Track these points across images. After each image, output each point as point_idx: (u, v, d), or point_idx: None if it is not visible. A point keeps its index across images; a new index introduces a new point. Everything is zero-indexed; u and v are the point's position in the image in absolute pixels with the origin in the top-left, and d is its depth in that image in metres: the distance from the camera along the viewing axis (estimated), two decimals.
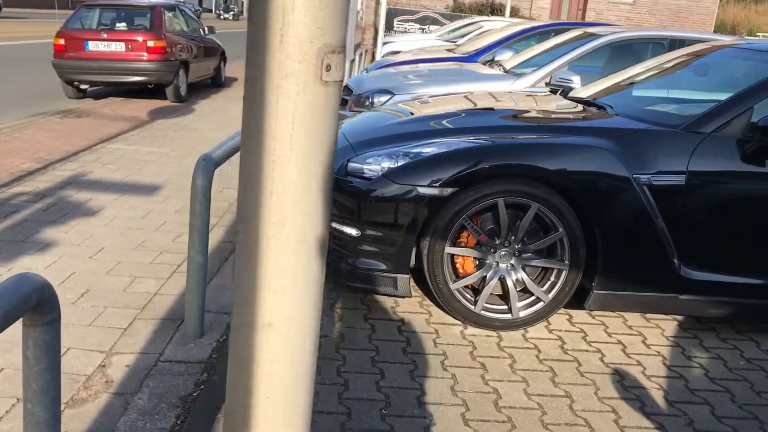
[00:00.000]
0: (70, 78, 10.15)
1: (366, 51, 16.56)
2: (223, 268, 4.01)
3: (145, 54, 10.05)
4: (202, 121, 8.98)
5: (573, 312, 3.74)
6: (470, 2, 28.79)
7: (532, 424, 2.67)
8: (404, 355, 3.15)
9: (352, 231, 3.38)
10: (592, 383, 3.02)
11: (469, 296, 3.44)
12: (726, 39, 6.10)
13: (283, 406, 0.76)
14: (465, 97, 4.73)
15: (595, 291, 3.38)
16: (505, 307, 3.44)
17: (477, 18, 18.29)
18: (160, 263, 4.03)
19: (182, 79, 10.66)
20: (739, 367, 3.27)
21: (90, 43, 10.04)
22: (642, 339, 3.49)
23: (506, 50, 8.58)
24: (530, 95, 4.86)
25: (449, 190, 3.25)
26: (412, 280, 3.49)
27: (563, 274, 3.38)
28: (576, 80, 5.42)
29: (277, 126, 0.62)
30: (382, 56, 12.74)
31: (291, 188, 0.63)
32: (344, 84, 4.91)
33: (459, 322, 3.50)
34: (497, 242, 3.38)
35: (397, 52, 11.98)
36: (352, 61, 11.20)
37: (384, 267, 3.37)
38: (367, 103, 6.26)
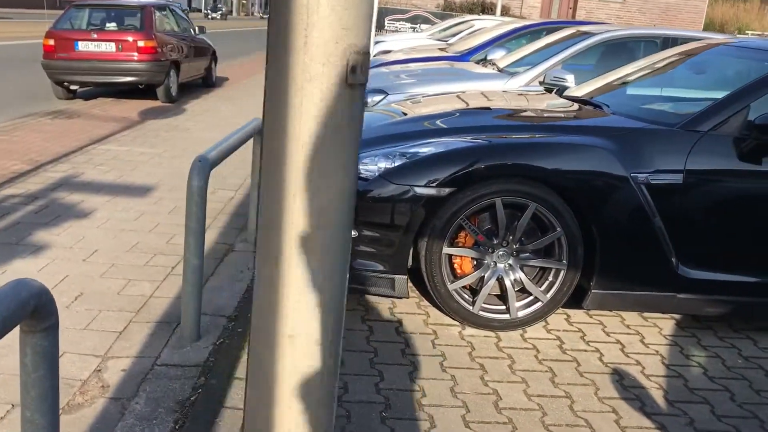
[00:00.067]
0: (60, 78, 10.07)
1: None
2: (218, 270, 3.98)
3: (136, 54, 9.99)
4: (194, 122, 8.93)
5: (571, 311, 3.73)
6: (461, 1, 28.81)
7: (533, 425, 2.66)
8: (403, 356, 3.13)
9: None
10: (591, 383, 3.01)
11: (467, 296, 3.42)
12: (719, 37, 6.11)
13: (304, 419, 0.74)
14: (458, 96, 4.72)
15: (593, 290, 3.37)
16: (503, 307, 3.43)
17: (468, 17, 18.29)
18: (154, 265, 4.00)
19: (173, 79, 10.59)
20: (738, 366, 3.27)
21: (80, 43, 9.96)
22: (640, 338, 3.49)
23: (499, 49, 8.58)
24: (525, 94, 4.85)
25: (447, 190, 3.23)
26: (409, 280, 3.47)
27: (561, 273, 3.37)
28: (570, 79, 5.41)
29: (302, 130, 0.59)
30: (374, 56, 12.72)
31: (316, 194, 0.61)
32: None
33: (457, 323, 3.48)
34: (495, 242, 3.37)
35: (389, 52, 11.95)
36: None
37: (381, 268, 3.35)
38: None
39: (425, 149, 3.39)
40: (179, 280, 3.75)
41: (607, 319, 3.68)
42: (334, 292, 0.73)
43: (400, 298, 3.59)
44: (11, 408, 2.54)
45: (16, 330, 1.51)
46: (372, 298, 3.70)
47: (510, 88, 6.34)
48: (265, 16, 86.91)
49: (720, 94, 3.54)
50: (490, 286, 3.38)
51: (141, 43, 9.97)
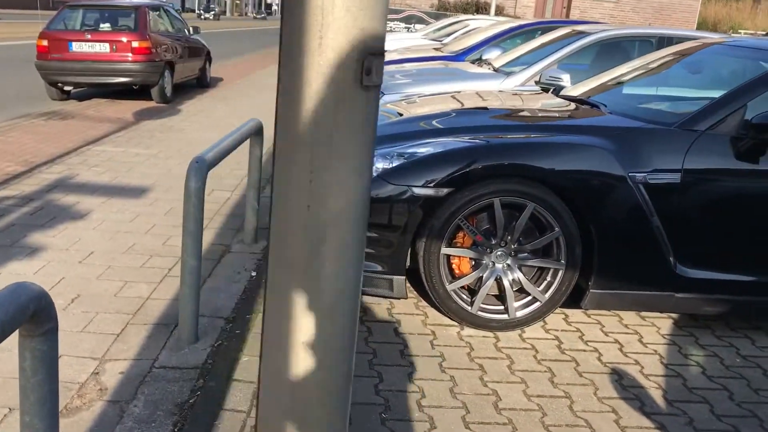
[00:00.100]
0: (54, 79, 10.03)
1: None
2: (215, 271, 3.96)
3: (130, 55, 9.95)
4: (189, 122, 8.90)
5: (569, 311, 3.73)
6: (455, 1, 28.82)
7: (533, 426, 2.65)
8: (402, 357, 3.12)
9: None
10: (590, 383, 3.01)
11: (465, 297, 3.41)
12: (714, 36, 6.12)
13: (319, 426, 0.73)
14: (455, 96, 4.71)
15: (591, 290, 3.37)
16: (502, 307, 3.42)
17: (462, 16, 18.30)
18: (150, 267, 3.98)
19: (167, 79, 10.56)
20: (736, 365, 3.27)
21: (74, 44, 9.92)
22: (638, 337, 3.49)
23: (494, 49, 8.58)
24: (522, 94, 4.85)
25: (445, 191, 3.22)
26: (407, 281, 3.46)
27: (560, 273, 3.36)
28: (566, 78, 5.42)
29: (316, 134, 0.58)
30: None
31: (330, 199, 0.60)
32: None
33: (455, 323, 3.47)
34: (493, 242, 3.36)
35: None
36: None
37: (379, 269, 3.34)
38: None
39: (423, 149, 3.38)
40: (176, 282, 3.73)
41: (606, 319, 3.68)
42: (349, 296, 0.72)
43: (399, 298, 3.57)
44: (9, 412, 2.52)
45: (14, 333, 1.50)
46: (370, 299, 3.69)
47: (506, 87, 6.34)
48: (258, 17, 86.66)
49: (716, 94, 3.55)
50: (489, 287, 3.38)
51: (135, 44, 9.94)
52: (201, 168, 2.94)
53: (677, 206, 3.29)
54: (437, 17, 23.77)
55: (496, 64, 7.48)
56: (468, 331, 3.42)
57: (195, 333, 3.10)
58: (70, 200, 5.12)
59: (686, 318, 3.75)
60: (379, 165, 3.34)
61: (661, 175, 3.28)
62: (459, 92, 5.05)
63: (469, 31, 12.92)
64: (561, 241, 3.32)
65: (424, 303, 3.69)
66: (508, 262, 3.39)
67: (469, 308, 3.38)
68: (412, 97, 5.30)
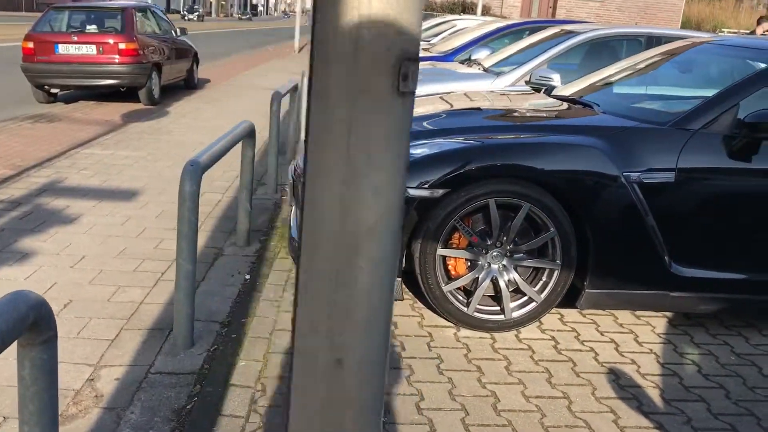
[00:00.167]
0: (41, 82, 9.94)
1: None
2: (209, 275, 3.94)
3: (117, 56, 9.88)
4: (177, 124, 8.84)
5: (564, 311, 3.73)
6: (441, 1, 28.84)
7: (533, 427, 2.65)
8: (399, 359, 3.11)
9: None
10: (588, 383, 3.01)
11: (461, 298, 3.41)
12: (703, 36, 6.16)
13: None
14: (446, 98, 4.70)
15: (586, 290, 3.37)
16: (498, 308, 3.42)
17: (449, 16, 18.31)
18: (143, 271, 3.94)
19: (155, 81, 10.50)
20: (731, 363, 3.28)
21: (60, 46, 9.84)
22: (634, 337, 3.49)
23: (483, 49, 8.59)
24: (514, 94, 4.85)
25: (440, 192, 3.21)
26: (403, 283, 3.44)
27: (555, 273, 3.36)
28: (556, 78, 5.43)
29: (352, 144, 0.57)
30: None
31: (365, 210, 0.59)
32: None
33: (451, 325, 3.47)
34: (489, 243, 3.36)
35: None
36: None
37: None
38: None
39: (418, 150, 3.37)
40: (170, 286, 3.70)
41: (601, 319, 3.69)
42: (383, 309, 0.70)
43: (394, 300, 3.56)
44: (2, 420, 2.49)
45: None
46: None
47: (497, 87, 6.35)
48: (244, 18, 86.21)
49: (708, 92, 3.56)
50: (485, 287, 3.37)
51: (122, 46, 9.87)
52: (195, 171, 2.92)
53: (671, 205, 3.30)
54: (424, 17, 23.79)
55: (486, 65, 7.49)
56: (464, 332, 3.42)
57: (190, 338, 3.07)
58: (59, 204, 5.07)
59: (680, 317, 3.76)
60: None
61: (656, 174, 3.28)
62: (451, 93, 5.05)
63: (457, 31, 12.93)
64: (556, 242, 3.32)
65: (420, 304, 3.69)
66: (504, 262, 3.39)
67: (466, 309, 3.37)
68: None
